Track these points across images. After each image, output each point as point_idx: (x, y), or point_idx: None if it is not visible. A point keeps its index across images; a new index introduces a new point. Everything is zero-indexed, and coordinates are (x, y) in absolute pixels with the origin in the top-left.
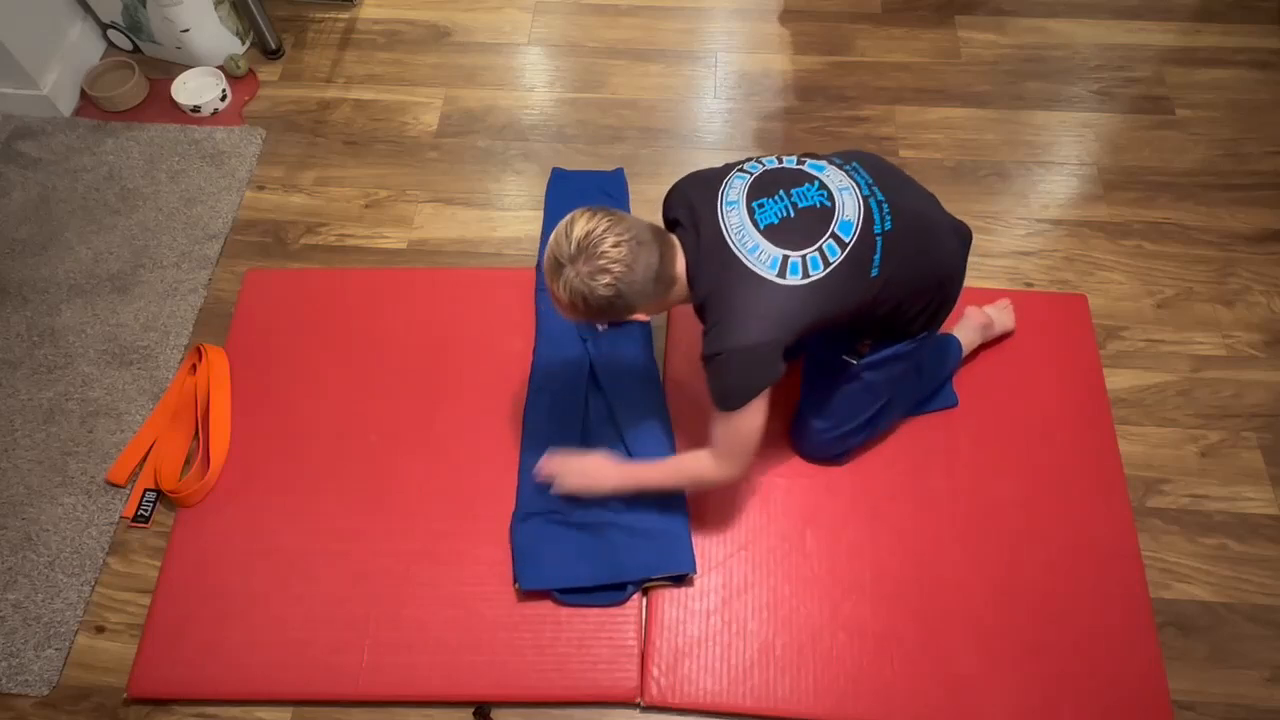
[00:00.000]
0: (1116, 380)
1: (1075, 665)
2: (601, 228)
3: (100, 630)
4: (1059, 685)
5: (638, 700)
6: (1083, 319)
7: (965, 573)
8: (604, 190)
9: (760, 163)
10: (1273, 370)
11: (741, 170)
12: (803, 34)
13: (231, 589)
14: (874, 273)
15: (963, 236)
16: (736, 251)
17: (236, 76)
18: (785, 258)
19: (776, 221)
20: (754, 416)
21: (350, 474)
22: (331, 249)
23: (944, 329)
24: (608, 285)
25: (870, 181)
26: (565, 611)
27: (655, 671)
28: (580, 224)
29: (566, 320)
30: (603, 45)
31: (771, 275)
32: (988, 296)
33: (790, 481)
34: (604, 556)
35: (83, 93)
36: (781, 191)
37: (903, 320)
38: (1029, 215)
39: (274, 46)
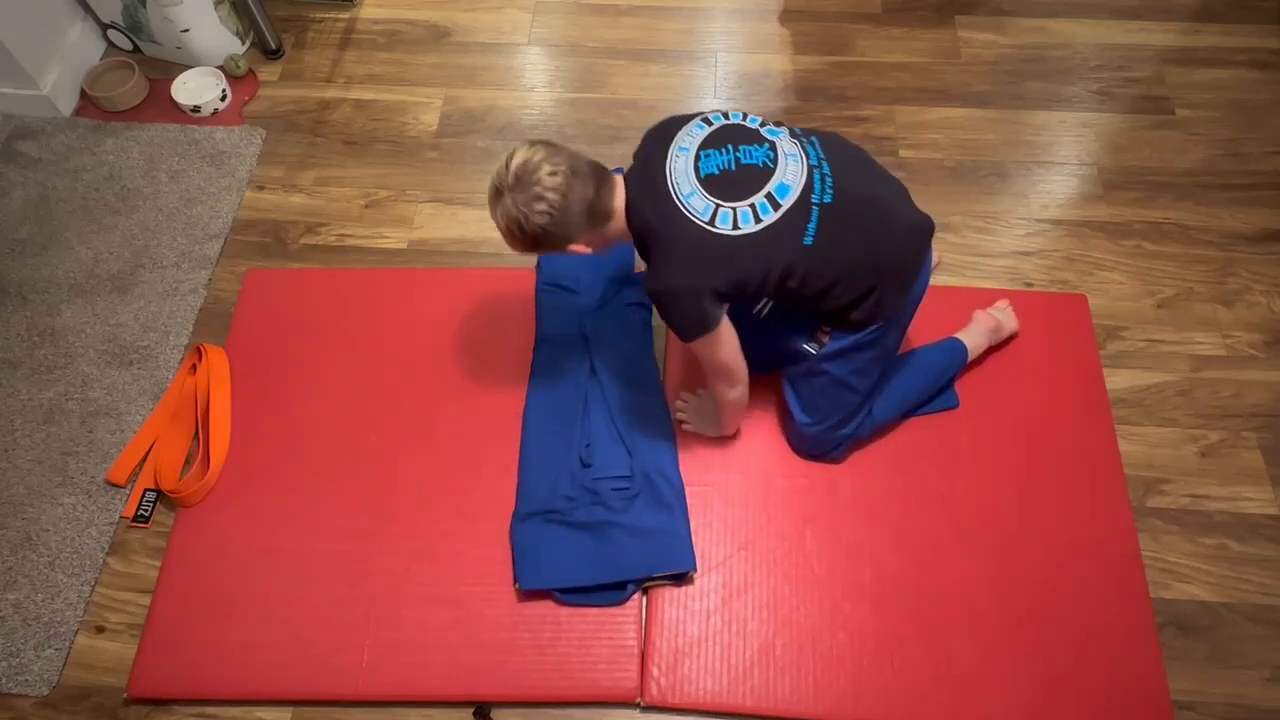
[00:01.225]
0: (1116, 380)
1: (1075, 665)
2: (539, 157)
3: (100, 630)
4: (1059, 685)
5: (638, 700)
6: (1083, 319)
7: (965, 572)
8: None
9: (725, 115)
10: (1273, 370)
11: (704, 120)
12: (803, 34)
13: (231, 589)
14: (807, 241)
15: (923, 231)
16: (672, 194)
17: (236, 76)
18: (716, 207)
19: (716, 173)
20: (718, 346)
21: (350, 474)
22: (331, 249)
23: (950, 333)
24: (542, 213)
25: (821, 156)
26: (565, 611)
27: (655, 671)
28: (520, 154)
29: (515, 251)
30: (603, 45)
31: (701, 221)
32: (988, 297)
33: (790, 481)
34: (604, 556)
35: (83, 93)
36: (730, 145)
37: (842, 303)
38: (1029, 215)
39: (274, 46)
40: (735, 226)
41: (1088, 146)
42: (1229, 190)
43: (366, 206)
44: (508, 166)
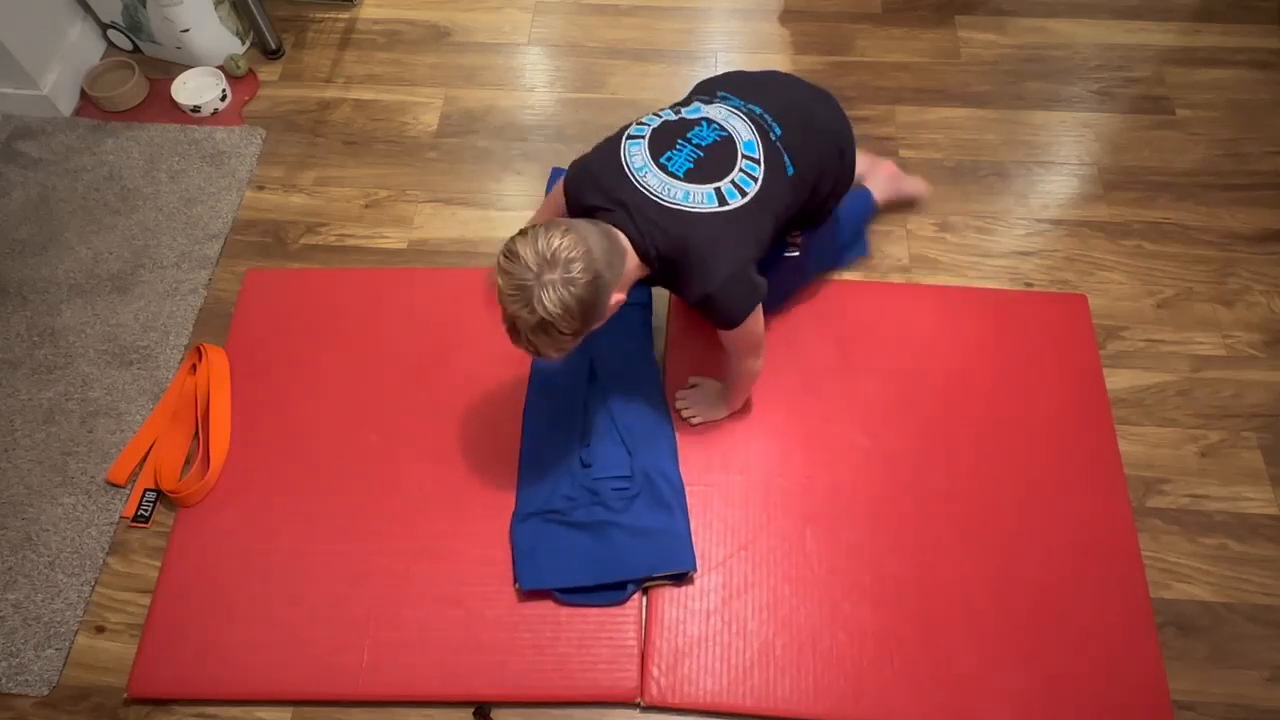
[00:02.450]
0: (1116, 380)
1: (1075, 665)
2: (539, 238)
3: (100, 630)
4: (1059, 685)
5: (638, 700)
6: (1083, 319)
7: (965, 572)
8: None
9: (643, 124)
10: (1273, 370)
11: (631, 138)
12: (803, 34)
13: (231, 589)
14: (790, 172)
15: (836, 105)
16: (672, 206)
17: (236, 76)
18: (717, 189)
19: (692, 166)
20: (757, 321)
21: (350, 474)
22: (331, 249)
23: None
24: (583, 270)
25: (743, 102)
26: (565, 611)
27: (655, 671)
28: (520, 250)
29: (554, 359)
30: (603, 45)
31: (715, 208)
32: (988, 297)
33: (790, 482)
34: (604, 556)
35: (83, 93)
36: (680, 140)
37: (821, 201)
38: (1029, 215)
39: (274, 46)
40: (743, 195)
41: (1088, 146)
42: (1229, 190)
43: (366, 206)
44: (520, 263)
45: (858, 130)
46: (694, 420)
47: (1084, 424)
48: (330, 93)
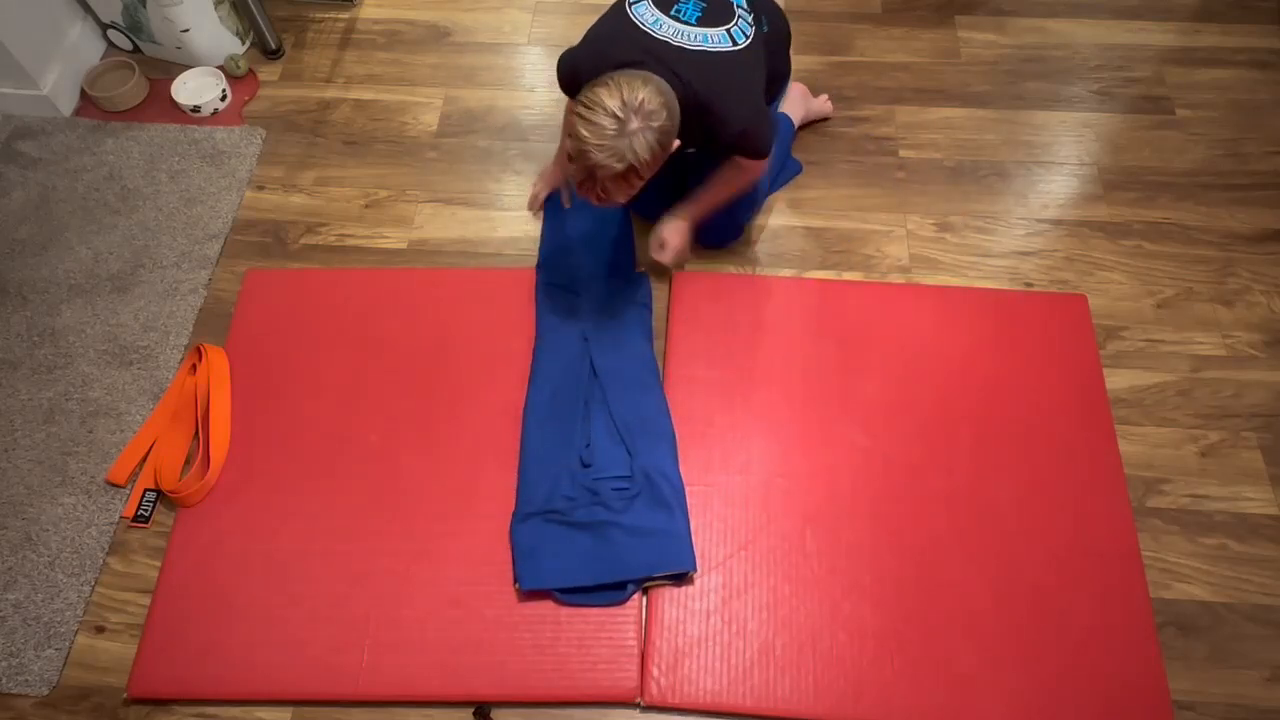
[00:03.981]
0: (1116, 380)
1: (1075, 665)
2: (621, 89)
3: (100, 630)
4: (1059, 685)
5: (638, 700)
6: (1083, 319)
7: (965, 573)
8: None
9: None
10: (1273, 370)
11: (634, 3)
12: (803, 34)
13: (231, 589)
14: (764, 28)
15: None
16: (698, 48)
17: (236, 76)
18: (728, 30)
19: (701, 14)
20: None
21: (350, 474)
22: (331, 249)
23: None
24: (667, 117)
25: None
26: (565, 611)
27: (655, 671)
28: (605, 101)
29: (619, 199)
30: None
31: (731, 48)
32: (988, 297)
33: (790, 482)
34: (604, 556)
35: (83, 93)
36: None
37: (771, 79)
38: (1029, 215)
39: (274, 46)
40: (747, 36)
41: (1088, 146)
42: (1229, 190)
43: (366, 206)
44: (607, 114)
45: (858, 130)
46: (682, 252)
47: (1084, 424)
48: (330, 93)
